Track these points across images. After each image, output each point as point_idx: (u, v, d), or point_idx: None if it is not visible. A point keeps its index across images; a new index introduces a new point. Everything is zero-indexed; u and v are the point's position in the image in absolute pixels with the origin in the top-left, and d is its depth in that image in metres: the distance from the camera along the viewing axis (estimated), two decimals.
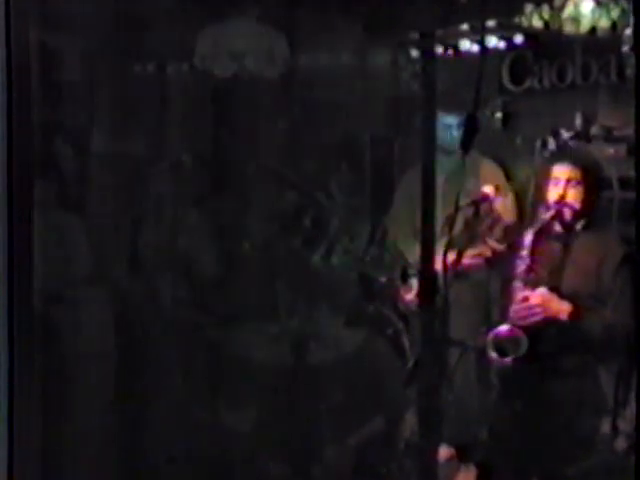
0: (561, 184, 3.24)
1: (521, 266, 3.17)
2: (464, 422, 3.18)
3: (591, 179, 3.28)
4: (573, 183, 3.23)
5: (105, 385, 3.87)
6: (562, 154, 3.47)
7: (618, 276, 3.12)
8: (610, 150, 4.51)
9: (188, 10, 4.26)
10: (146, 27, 4.35)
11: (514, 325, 3.09)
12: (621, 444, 2.97)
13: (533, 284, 3.16)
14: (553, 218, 3.21)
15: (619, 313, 3.05)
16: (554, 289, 3.15)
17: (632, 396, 3.09)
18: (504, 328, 3.12)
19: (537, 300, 3.12)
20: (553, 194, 3.26)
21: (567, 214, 3.24)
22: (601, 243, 3.24)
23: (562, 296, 3.15)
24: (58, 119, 4.45)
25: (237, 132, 5.36)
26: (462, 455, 3.20)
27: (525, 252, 3.18)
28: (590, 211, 3.29)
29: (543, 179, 3.36)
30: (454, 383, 3.05)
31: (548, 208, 3.25)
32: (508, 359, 3.07)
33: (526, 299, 3.13)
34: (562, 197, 3.22)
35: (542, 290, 3.14)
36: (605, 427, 3.10)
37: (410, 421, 3.38)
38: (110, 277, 4.20)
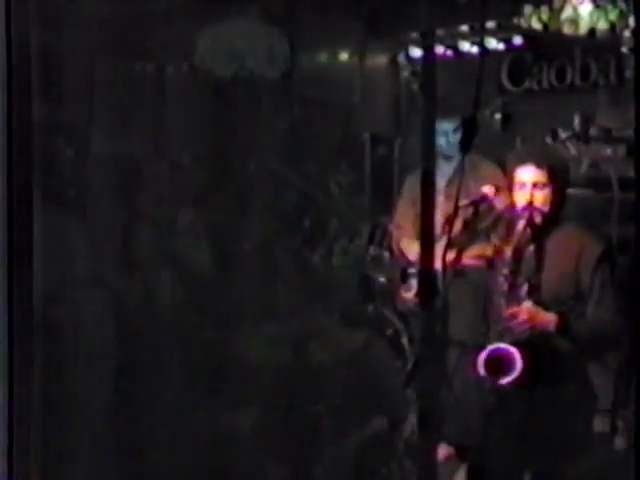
0: (527, 188, 3.13)
1: (503, 285, 3.12)
2: (464, 422, 3.16)
3: (557, 180, 3.17)
4: (539, 186, 3.13)
5: (104, 386, 3.87)
6: (526, 155, 3.35)
7: (597, 273, 3.08)
8: (608, 151, 4.51)
9: (189, 9, 4.25)
10: (146, 26, 4.34)
11: (504, 343, 3.05)
12: (620, 443, 2.95)
13: (517, 300, 3.11)
14: (525, 226, 3.14)
15: (603, 310, 3.02)
16: (535, 296, 3.11)
17: (631, 394, 3.08)
18: (494, 349, 3.07)
19: (524, 315, 3.08)
20: (520, 199, 3.15)
21: (537, 218, 3.16)
22: (575, 242, 3.18)
23: (544, 302, 3.11)
24: (58, 119, 4.44)
25: (237, 132, 5.36)
26: (461, 454, 3.19)
27: (506, 270, 3.12)
28: (559, 211, 3.22)
29: (509, 183, 3.28)
30: (454, 383, 3.02)
31: (516, 214, 3.18)
32: (503, 380, 3.03)
33: (513, 315, 3.08)
34: (530, 202, 3.11)
35: (527, 304, 3.10)
36: (604, 426, 3.08)
37: (410, 421, 3.37)
38: (108, 278, 4.21)
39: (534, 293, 3.10)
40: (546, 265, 3.15)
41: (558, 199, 3.19)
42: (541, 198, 3.15)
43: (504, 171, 3.53)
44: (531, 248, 3.15)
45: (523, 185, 3.16)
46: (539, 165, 3.16)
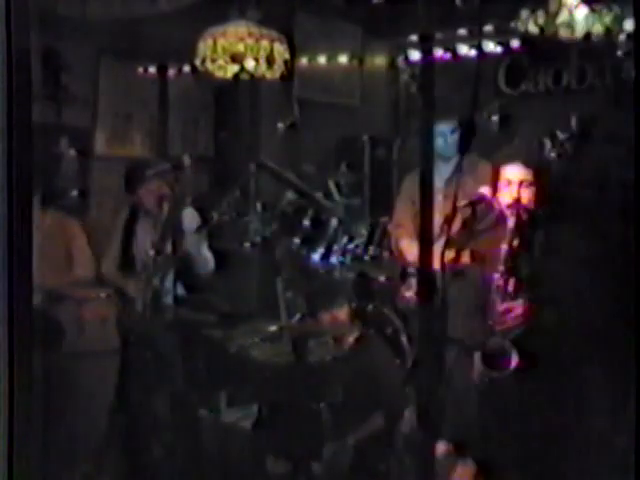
0: (514, 186, 3.16)
1: (499, 280, 3.11)
2: (462, 419, 3.15)
3: (543, 179, 3.21)
4: (526, 184, 3.15)
5: (105, 384, 3.85)
6: (513, 154, 3.35)
7: (594, 273, 3.09)
8: (607, 151, 4.50)
9: (190, 12, 4.24)
10: (148, 29, 4.33)
11: (501, 338, 3.04)
12: (621, 442, 2.93)
13: (511, 297, 3.10)
14: (517, 225, 3.13)
15: (596, 308, 3.02)
16: (528, 293, 3.10)
17: (631, 394, 3.06)
18: (493, 342, 3.06)
19: (519, 311, 3.08)
20: (506, 197, 3.17)
21: (523, 216, 3.17)
22: (562, 241, 3.18)
23: (539, 300, 3.10)
24: (59, 120, 4.44)
25: (238, 133, 5.36)
26: (460, 450, 3.17)
27: (502, 267, 3.12)
28: (544, 210, 3.22)
29: (494, 181, 3.27)
30: (452, 381, 3.01)
31: (502, 212, 3.18)
32: (502, 371, 3.02)
33: (509, 310, 3.08)
34: (517, 200, 3.14)
35: (520, 301, 3.10)
36: (604, 425, 3.07)
37: (409, 418, 3.36)
38: (110, 277, 4.20)
39: (527, 290, 3.10)
40: (537, 263, 3.15)
41: (542, 198, 3.19)
42: (527, 196, 3.16)
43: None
44: (521, 246, 3.15)
45: (510, 183, 3.17)
46: (527, 163, 3.18)
